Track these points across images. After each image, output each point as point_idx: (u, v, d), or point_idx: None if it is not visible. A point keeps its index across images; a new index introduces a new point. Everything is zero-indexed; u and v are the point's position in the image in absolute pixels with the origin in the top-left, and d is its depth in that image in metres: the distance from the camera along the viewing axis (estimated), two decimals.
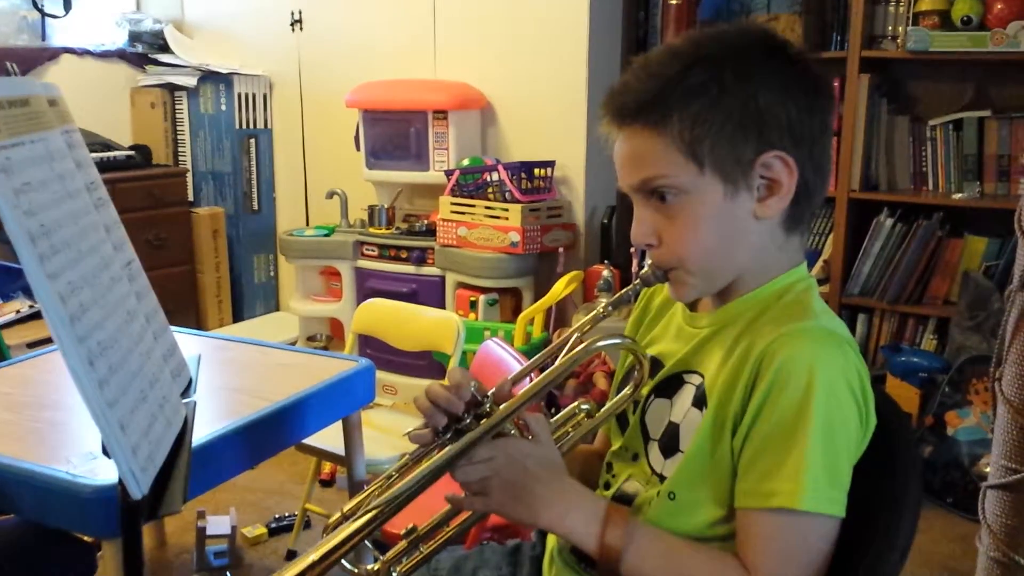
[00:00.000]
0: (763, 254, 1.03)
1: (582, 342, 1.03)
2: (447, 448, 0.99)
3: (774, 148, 0.98)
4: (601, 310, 1.09)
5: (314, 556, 0.95)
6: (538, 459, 1.00)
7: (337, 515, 1.11)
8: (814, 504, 0.93)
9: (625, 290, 1.09)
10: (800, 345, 0.95)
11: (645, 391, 1.10)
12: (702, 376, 1.04)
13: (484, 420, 1.00)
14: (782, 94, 0.97)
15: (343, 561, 1.00)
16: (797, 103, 0.98)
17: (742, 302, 1.05)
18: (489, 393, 1.03)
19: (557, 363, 1.03)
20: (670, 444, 1.05)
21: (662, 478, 1.06)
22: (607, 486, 1.14)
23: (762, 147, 0.97)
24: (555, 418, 1.12)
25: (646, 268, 1.06)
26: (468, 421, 1.00)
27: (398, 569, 1.08)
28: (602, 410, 1.11)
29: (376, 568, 1.08)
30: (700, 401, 1.03)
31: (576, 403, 1.13)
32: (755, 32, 1.03)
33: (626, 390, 1.08)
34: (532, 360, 1.15)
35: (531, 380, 1.04)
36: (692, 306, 1.13)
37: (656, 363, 1.10)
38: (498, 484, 0.98)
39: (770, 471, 0.94)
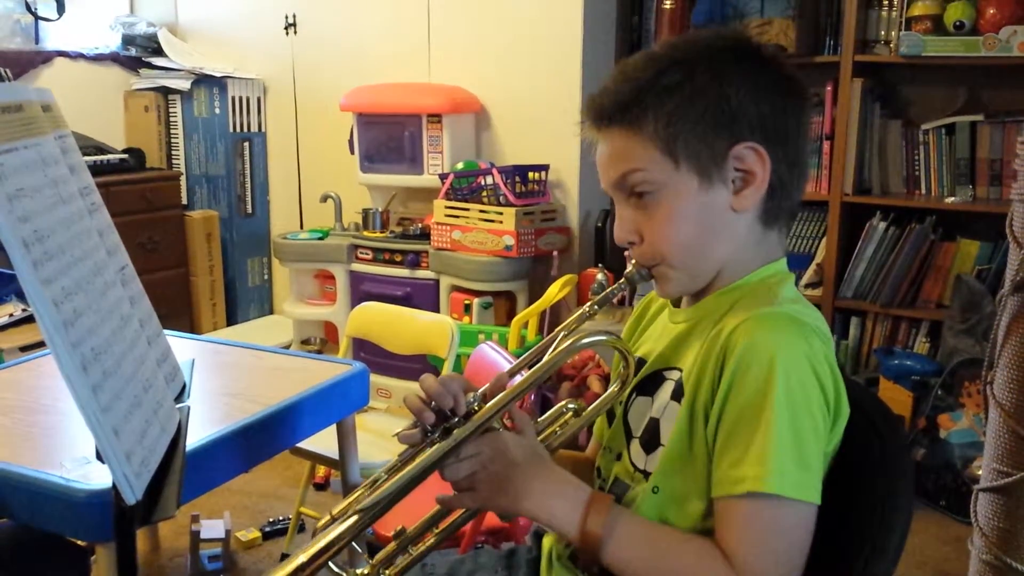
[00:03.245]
0: (742, 248, 1.05)
1: (568, 340, 1.04)
2: (436, 447, 0.99)
3: (745, 140, 1.00)
4: (587, 309, 1.11)
5: (302, 558, 0.95)
6: (523, 449, 1.01)
7: (326, 517, 1.10)
8: (780, 487, 0.92)
9: (610, 289, 1.11)
10: (762, 330, 0.95)
11: (628, 390, 1.10)
12: (680, 371, 1.05)
13: (472, 418, 1.00)
14: (755, 94, 1.00)
15: (330, 564, 0.99)
16: (771, 102, 1.01)
17: (718, 296, 1.06)
18: (479, 392, 1.03)
19: (544, 360, 1.04)
20: (651, 440, 1.06)
21: (646, 474, 1.06)
22: (600, 490, 1.14)
23: (734, 140, 1.00)
24: (543, 417, 1.13)
25: (630, 267, 1.07)
26: (456, 420, 1.01)
27: (388, 571, 1.08)
28: (589, 408, 1.11)
29: (367, 572, 1.08)
30: (678, 394, 1.04)
31: (563, 402, 1.13)
32: (729, 36, 1.06)
33: (612, 388, 1.09)
34: (521, 358, 1.15)
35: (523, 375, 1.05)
36: (677, 303, 1.14)
37: (642, 363, 1.12)
38: (485, 477, 1.00)
39: (739, 458, 0.94)
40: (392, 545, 1.07)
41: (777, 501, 0.93)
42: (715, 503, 0.98)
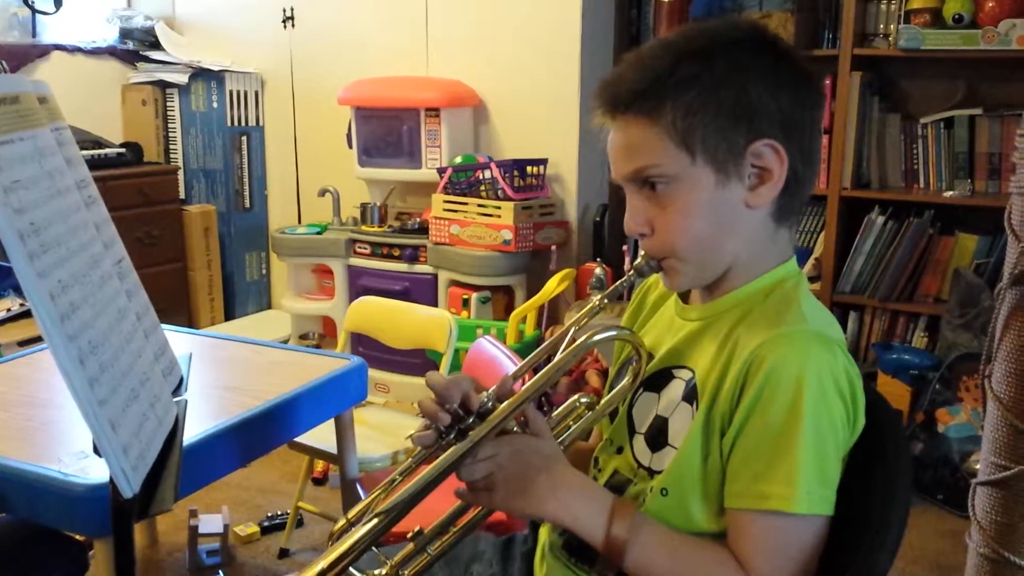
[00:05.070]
0: (754, 244, 1.04)
1: (579, 336, 1.03)
2: (452, 448, 0.98)
3: (765, 137, 0.99)
4: (597, 302, 1.09)
5: (323, 564, 0.95)
6: (541, 452, 1.01)
7: (342, 521, 1.10)
8: (808, 507, 0.94)
9: (619, 282, 1.10)
10: (789, 350, 0.95)
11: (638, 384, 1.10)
12: (692, 371, 1.05)
13: (488, 418, 0.99)
14: (773, 87, 0.99)
15: (351, 569, 0.98)
16: (787, 95, 1.00)
17: (732, 297, 1.05)
18: (490, 391, 1.03)
19: (558, 358, 1.03)
20: (657, 438, 1.06)
21: (650, 471, 1.06)
22: (595, 480, 1.14)
23: (753, 136, 0.99)
24: (556, 412, 1.12)
25: (639, 259, 1.06)
26: (471, 420, 1.00)
27: (406, 572, 1.08)
28: (602, 402, 1.11)
29: (384, 573, 1.08)
30: (691, 396, 1.03)
31: (576, 396, 1.13)
32: (746, 26, 1.04)
33: (625, 381, 1.09)
34: (530, 357, 1.15)
35: (527, 377, 1.04)
36: (684, 298, 1.13)
37: (650, 355, 1.11)
38: (503, 479, 0.99)
39: (762, 473, 0.95)
40: (410, 546, 1.07)
41: (798, 518, 0.94)
42: (731, 513, 0.98)
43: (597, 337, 1.02)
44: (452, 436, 1.00)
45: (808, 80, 1.03)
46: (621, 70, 1.02)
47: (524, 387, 1.01)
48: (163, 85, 4.09)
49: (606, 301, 1.09)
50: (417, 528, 1.07)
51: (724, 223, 1.01)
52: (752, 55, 1.00)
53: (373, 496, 1.09)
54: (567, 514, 0.99)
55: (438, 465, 0.98)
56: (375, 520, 0.97)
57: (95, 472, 1.36)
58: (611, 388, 1.16)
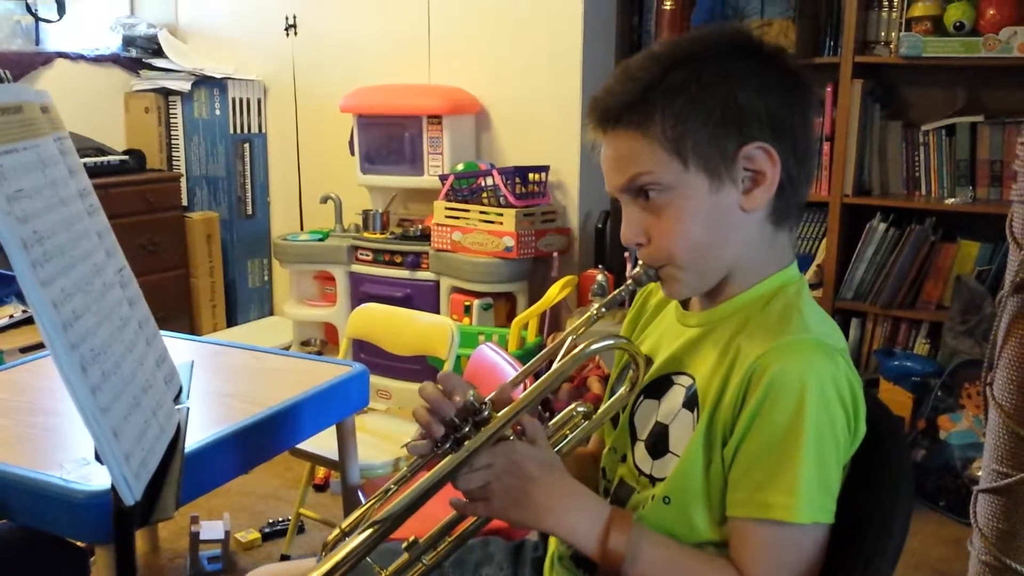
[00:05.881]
0: (753, 249, 1.04)
1: (577, 345, 1.03)
2: (448, 458, 0.98)
3: (755, 140, 0.99)
4: (595, 311, 1.09)
5: (317, 575, 0.95)
6: (539, 462, 1.00)
7: (336, 531, 1.10)
8: (809, 516, 0.94)
9: (618, 291, 1.09)
10: (791, 359, 0.95)
11: (636, 392, 1.10)
12: (692, 378, 1.04)
13: (484, 427, 0.99)
14: (761, 90, 0.99)
15: None
16: (776, 98, 1.00)
17: (733, 303, 1.05)
18: (487, 399, 1.02)
19: (554, 367, 1.03)
20: (658, 445, 1.06)
21: (652, 479, 1.06)
22: (606, 491, 1.14)
23: (743, 140, 0.99)
24: (552, 421, 1.12)
25: (637, 268, 1.06)
26: (467, 429, 0.99)
27: None
28: (599, 411, 1.10)
29: None
30: (691, 403, 1.03)
31: (572, 405, 1.12)
32: (732, 33, 1.04)
33: (622, 390, 1.08)
34: (527, 365, 1.15)
35: (527, 384, 1.04)
36: (685, 304, 1.13)
37: (648, 361, 1.11)
38: (500, 489, 0.98)
39: (764, 483, 0.95)
40: (405, 556, 1.07)
41: (800, 527, 0.95)
42: (733, 521, 0.98)
43: (594, 347, 1.02)
44: (448, 445, 0.99)
45: (797, 81, 1.03)
46: (609, 84, 1.03)
47: (521, 396, 1.00)
48: (166, 93, 4.10)
49: (604, 310, 1.09)
50: (412, 538, 1.07)
51: (720, 228, 1.01)
52: (738, 60, 1.00)
53: (368, 505, 1.09)
54: (561, 526, 1.00)
55: (434, 475, 0.98)
56: (369, 531, 0.97)
57: (97, 479, 1.36)
58: (611, 394, 1.16)
